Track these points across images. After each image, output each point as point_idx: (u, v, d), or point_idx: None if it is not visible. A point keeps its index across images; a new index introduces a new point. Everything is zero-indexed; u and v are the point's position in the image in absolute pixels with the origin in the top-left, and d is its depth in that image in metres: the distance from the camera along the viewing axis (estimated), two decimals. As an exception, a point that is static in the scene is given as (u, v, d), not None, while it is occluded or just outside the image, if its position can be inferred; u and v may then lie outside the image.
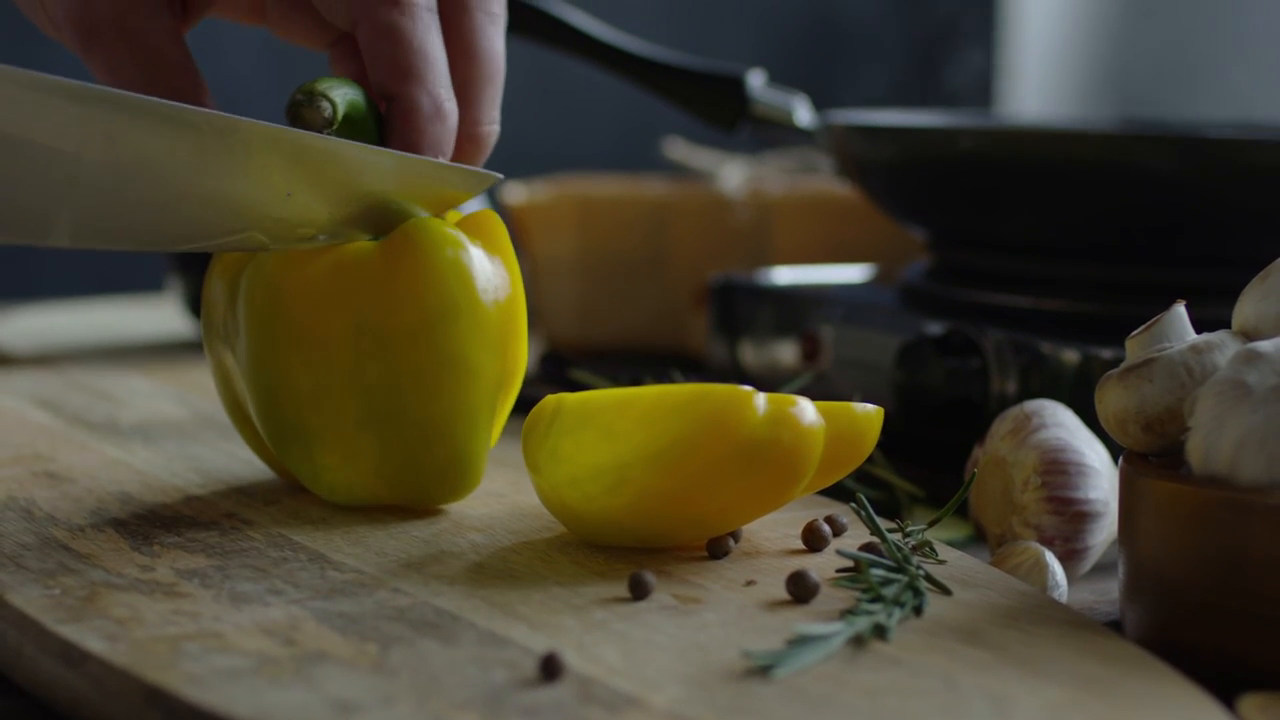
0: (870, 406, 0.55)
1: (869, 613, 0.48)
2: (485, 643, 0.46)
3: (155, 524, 0.57)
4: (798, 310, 0.80)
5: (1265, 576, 0.46)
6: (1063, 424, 0.59)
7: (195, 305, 1.01)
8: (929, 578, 0.51)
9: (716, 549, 0.54)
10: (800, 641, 0.45)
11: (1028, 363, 0.68)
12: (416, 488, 0.58)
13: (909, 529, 0.55)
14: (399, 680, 0.43)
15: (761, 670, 0.44)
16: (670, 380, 0.70)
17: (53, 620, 0.47)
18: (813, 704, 0.42)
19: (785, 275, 0.87)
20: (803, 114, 0.88)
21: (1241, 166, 0.70)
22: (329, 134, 0.55)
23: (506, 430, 0.65)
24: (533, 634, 0.47)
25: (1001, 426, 0.60)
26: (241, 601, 0.49)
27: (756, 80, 0.88)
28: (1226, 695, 0.45)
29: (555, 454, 0.53)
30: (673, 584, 0.51)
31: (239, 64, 1.38)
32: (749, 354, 0.83)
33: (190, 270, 0.99)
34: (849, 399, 0.57)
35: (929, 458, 0.71)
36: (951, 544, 0.61)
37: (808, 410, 0.53)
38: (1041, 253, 0.75)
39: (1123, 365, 0.52)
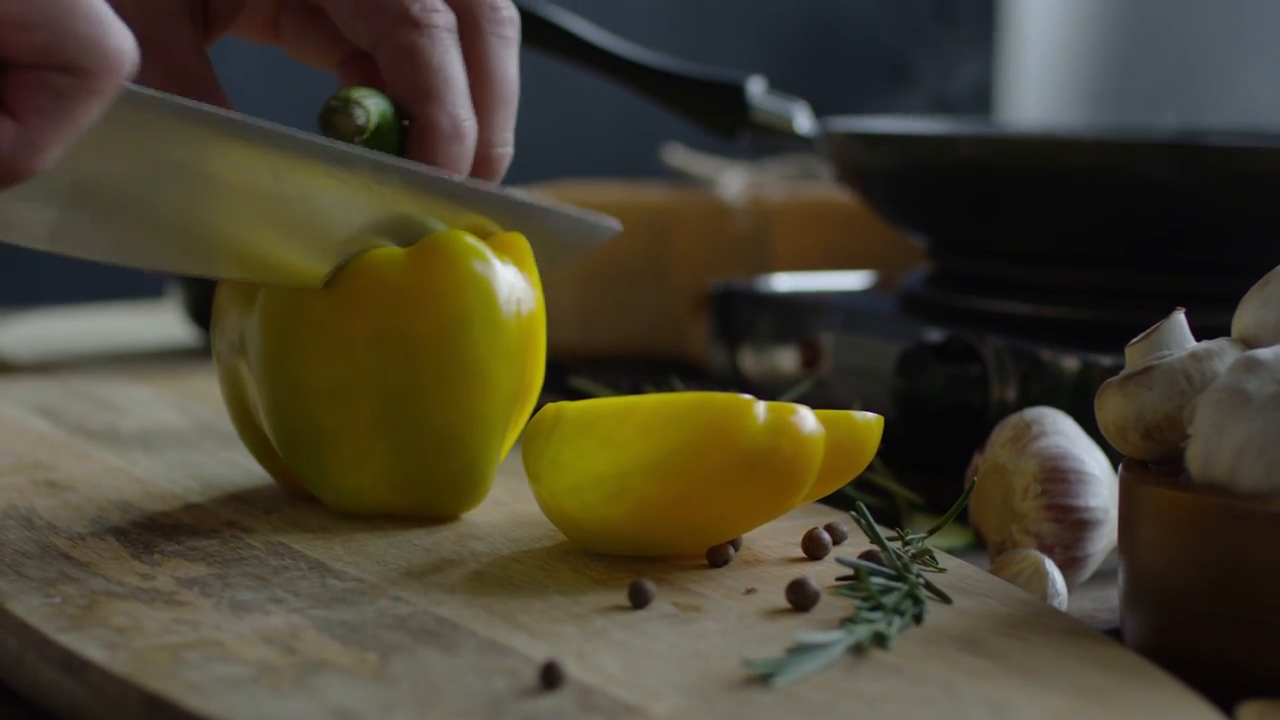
0: (870, 415, 0.55)
1: (869, 621, 0.48)
2: (485, 651, 0.46)
3: (156, 532, 0.57)
4: (798, 317, 0.80)
5: (1264, 584, 0.46)
6: (1062, 431, 0.59)
7: (196, 313, 1.01)
8: (929, 586, 0.51)
9: (716, 557, 0.54)
10: (800, 650, 0.45)
11: (1028, 370, 0.68)
12: (425, 495, 0.58)
13: (909, 537, 0.55)
14: (399, 689, 0.43)
15: (761, 679, 0.44)
16: (670, 387, 0.70)
17: (53, 629, 0.47)
18: (813, 712, 0.42)
19: (785, 282, 0.87)
20: (802, 121, 0.88)
21: (1241, 174, 0.70)
22: (358, 142, 0.57)
23: (507, 438, 0.65)
24: (533, 642, 0.47)
25: (1001, 434, 0.60)
26: (242, 610, 0.49)
27: (756, 87, 0.88)
28: (1226, 703, 0.45)
29: (555, 462, 0.53)
30: (673, 592, 0.51)
31: (237, 72, 1.39)
32: (749, 361, 0.83)
33: (191, 278, 0.99)
34: (849, 406, 0.57)
35: (929, 465, 0.71)
36: (951, 552, 0.61)
37: (808, 419, 0.53)
38: (1041, 260, 0.75)
39: (1122, 373, 0.52)
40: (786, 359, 0.81)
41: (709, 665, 0.45)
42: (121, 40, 0.44)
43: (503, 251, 0.59)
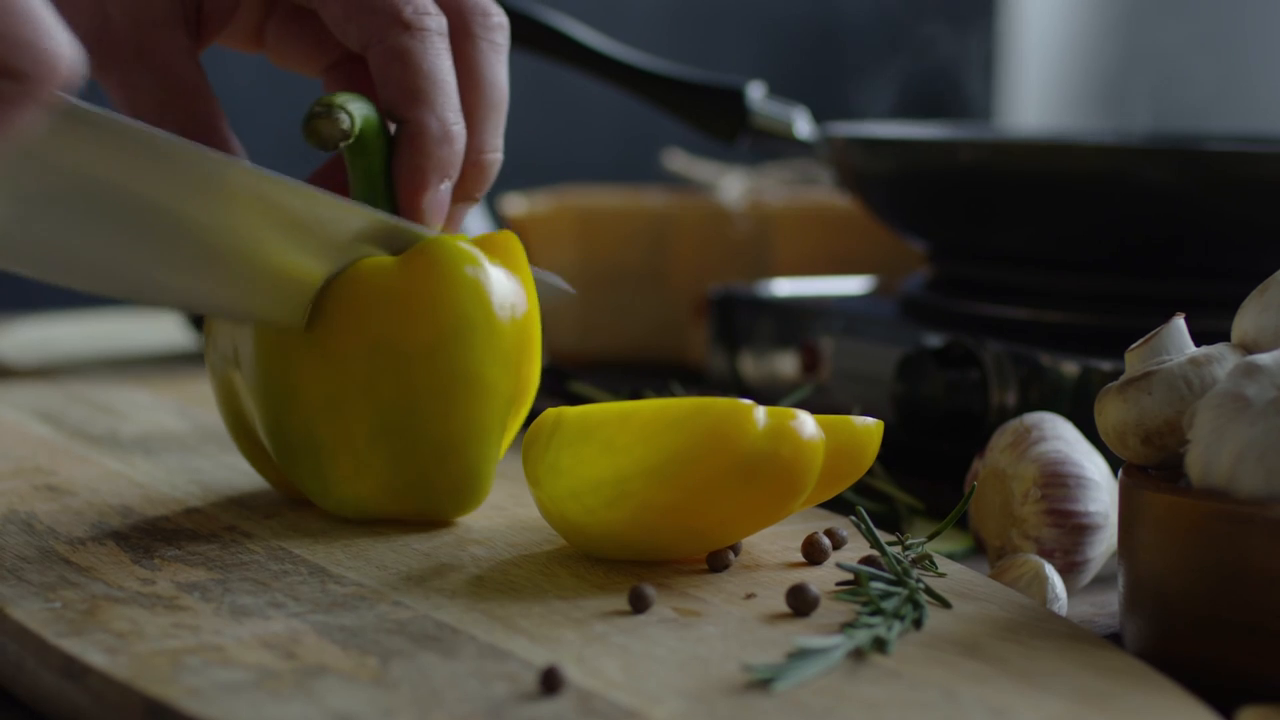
0: (870, 419, 0.55)
1: (869, 626, 0.48)
2: (486, 656, 0.46)
3: (156, 537, 0.57)
4: (797, 322, 0.80)
5: (1264, 589, 0.46)
6: (1062, 436, 0.59)
7: (196, 318, 1.01)
8: (929, 590, 0.51)
9: (716, 562, 0.54)
10: (800, 655, 0.45)
11: (1027, 375, 0.68)
12: (425, 502, 0.58)
13: (909, 542, 0.55)
14: (399, 693, 0.43)
15: (762, 683, 0.44)
16: (670, 392, 0.70)
17: (53, 633, 0.47)
18: (813, 717, 0.42)
19: (785, 287, 0.87)
20: (802, 126, 0.88)
21: (1241, 179, 0.70)
22: (343, 147, 0.56)
23: (507, 443, 0.65)
24: (533, 647, 0.47)
25: (1001, 439, 0.60)
26: (242, 615, 0.49)
27: (756, 92, 0.88)
28: (1226, 708, 0.45)
29: (555, 467, 0.53)
30: (673, 597, 0.51)
31: (238, 78, 1.39)
32: (749, 366, 0.84)
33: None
34: (849, 411, 0.57)
35: (929, 470, 0.71)
36: (951, 557, 0.61)
37: (807, 424, 0.53)
38: (1041, 265, 0.75)
39: (1122, 378, 0.52)
40: (786, 364, 0.81)
41: (709, 670, 0.45)
42: (62, 45, 0.43)
43: (494, 253, 0.58)
